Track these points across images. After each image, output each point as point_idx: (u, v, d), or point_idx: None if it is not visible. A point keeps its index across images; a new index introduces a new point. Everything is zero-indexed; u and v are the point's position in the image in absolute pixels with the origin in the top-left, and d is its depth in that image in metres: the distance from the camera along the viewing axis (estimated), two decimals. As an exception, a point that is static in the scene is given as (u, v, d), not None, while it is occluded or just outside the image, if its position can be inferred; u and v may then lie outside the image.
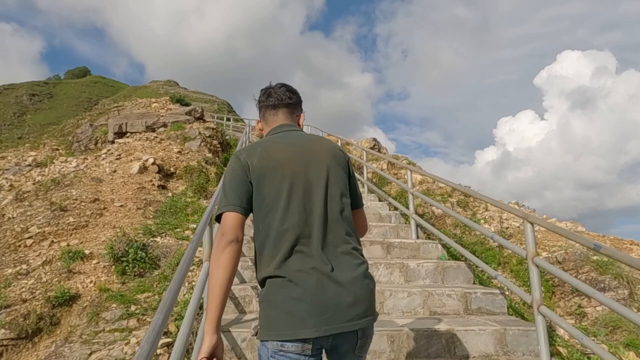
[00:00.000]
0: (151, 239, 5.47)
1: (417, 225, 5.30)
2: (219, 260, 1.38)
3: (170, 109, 14.88)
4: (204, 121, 13.51)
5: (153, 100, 17.31)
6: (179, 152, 9.57)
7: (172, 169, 8.64)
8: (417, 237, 5.21)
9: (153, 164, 8.19)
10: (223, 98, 76.45)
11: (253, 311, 3.44)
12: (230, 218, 1.45)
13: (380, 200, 7.24)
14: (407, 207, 5.52)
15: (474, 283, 4.14)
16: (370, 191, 7.72)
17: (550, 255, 4.93)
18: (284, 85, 1.76)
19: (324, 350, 1.47)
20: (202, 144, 10.57)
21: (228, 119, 21.45)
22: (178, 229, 5.87)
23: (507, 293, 3.82)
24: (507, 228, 5.90)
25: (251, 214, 1.54)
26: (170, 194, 7.42)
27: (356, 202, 1.68)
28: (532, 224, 3.05)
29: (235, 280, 3.63)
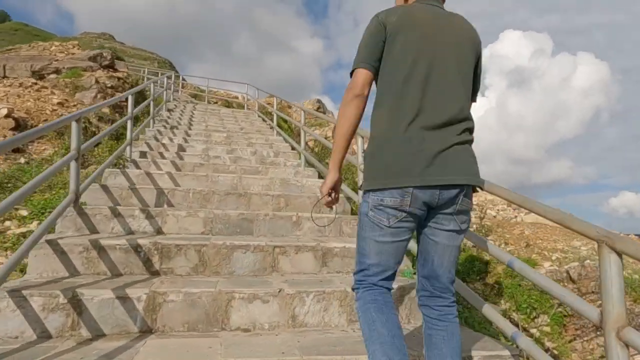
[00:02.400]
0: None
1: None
2: (345, 111, 1.51)
3: (74, 54, 12.07)
4: (114, 70, 10.96)
5: (56, 43, 14.23)
6: (59, 103, 7.18)
7: (41, 124, 6.32)
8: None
9: (7, 116, 5.85)
10: (164, 56, 70.87)
11: None
12: (360, 74, 1.52)
13: (321, 177, 5.48)
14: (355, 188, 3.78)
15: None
16: (309, 164, 5.92)
17: (556, 267, 3.38)
18: None
19: (420, 216, 1.49)
20: (99, 96, 8.21)
21: (177, 76, 18.45)
22: None
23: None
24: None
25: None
26: (23, 160, 5.20)
27: (474, 96, 1.68)
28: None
29: None
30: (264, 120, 10.34)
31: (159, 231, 3.25)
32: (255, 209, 3.93)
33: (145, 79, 15.11)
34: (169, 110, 10.04)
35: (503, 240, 4.39)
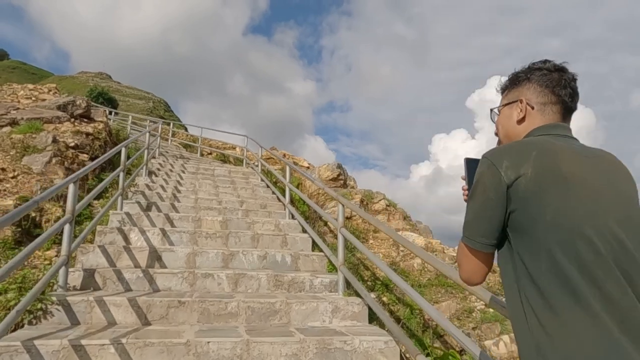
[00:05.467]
0: None
1: None
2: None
3: (44, 100, 10.18)
4: (89, 121, 9.03)
5: (30, 86, 12.38)
6: (-9, 175, 5.15)
7: (-52, 213, 4.26)
8: None
9: None
10: (159, 96, 70.28)
11: None
12: (477, 262, 1.07)
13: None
14: None
15: None
16: (353, 292, 3.87)
17: None
18: (576, 79, 1.15)
19: None
20: (55, 161, 6.20)
21: (167, 123, 16.38)
22: None
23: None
24: None
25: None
26: None
27: None
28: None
29: None
30: (267, 186, 8.35)
31: None
32: None
33: (129, 129, 13.20)
34: (150, 173, 8.04)
35: None
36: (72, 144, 6.81)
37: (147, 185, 6.95)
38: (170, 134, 14.88)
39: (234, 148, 15.11)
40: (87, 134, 7.55)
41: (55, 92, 12.52)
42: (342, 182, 7.65)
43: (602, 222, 0.94)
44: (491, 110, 1.25)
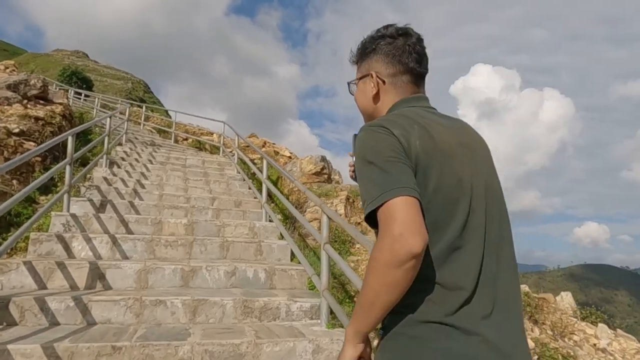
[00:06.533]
0: None
1: None
2: (394, 276, 0.85)
3: (-4, 79, 9.11)
4: (46, 102, 8.06)
5: (-17, 63, 11.21)
6: None
7: None
8: None
9: None
10: (139, 77, 68.14)
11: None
12: (413, 206, 0.86)
13: None
14: None
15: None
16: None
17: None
18: (422, 39, 1.15)
19: None
20: (-7, 150, 5.31)
21: (140, 105, 15.18)
22: None
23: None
24: None
25: None
26: None
27: None
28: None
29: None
30: (244, 179, 7.58)
31: None
32: None
33: (95, 112, 12.14)
34: (112, 163, 7.17)
35: None
36: (16, 130, 5.91)
37: (105, 179, 6.12)
38: (142, 118, 13.85)
39: (211, 134, 14.20)
40: (37, 119, 6.63)
41: (13, 70, 11.43)
42: (326, 176, 6.94)
43: (470, 188, 0.98)
44: (348, 83, 1.25)
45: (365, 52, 1.17)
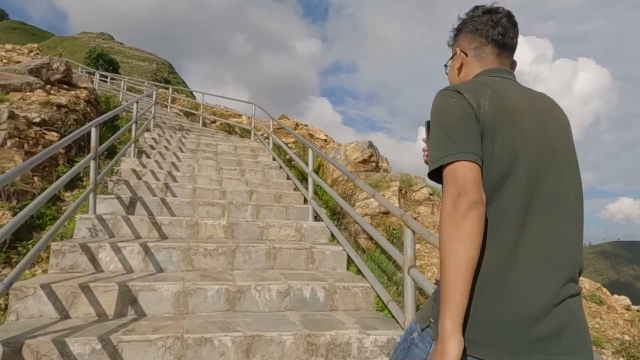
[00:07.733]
0: None
1: None
2: (461, 230, 0.88)
3: (19, 63, 8.69)
4: (70, 87, 7.58)
5: (8, 47, 10.81)
6: None
7: None
8: None
9: None
10: (163, 57, 68.10)
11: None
12: (469, 170, 0.92)
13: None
14: None
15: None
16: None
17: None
18: (512, 15, 1.18)
19: None
20: (12, 143, 4.82)
21: (165, 87, 14.69)
22: None
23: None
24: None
25: None
26: None
27: None
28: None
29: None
30: (280, 167, 6.94)
31: None
32: None
33: (122, 95, 11.65)
34: (140, 153, 6.65)
35: None
36: (37, 120, 5.41)
37: (134, 171, 5.58)
38: (169, 100, 13.33)
39: (240, 116, 13.59)
40: (60, 106, 6.12)
41: (37, 54, 11.02)
42: (374, 164, 6.22)
43: (534, 148, 0.99)
44: (445, 65, 1.29)
45: (455, 34, 1.23)
